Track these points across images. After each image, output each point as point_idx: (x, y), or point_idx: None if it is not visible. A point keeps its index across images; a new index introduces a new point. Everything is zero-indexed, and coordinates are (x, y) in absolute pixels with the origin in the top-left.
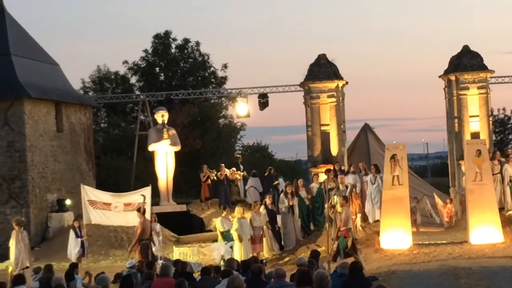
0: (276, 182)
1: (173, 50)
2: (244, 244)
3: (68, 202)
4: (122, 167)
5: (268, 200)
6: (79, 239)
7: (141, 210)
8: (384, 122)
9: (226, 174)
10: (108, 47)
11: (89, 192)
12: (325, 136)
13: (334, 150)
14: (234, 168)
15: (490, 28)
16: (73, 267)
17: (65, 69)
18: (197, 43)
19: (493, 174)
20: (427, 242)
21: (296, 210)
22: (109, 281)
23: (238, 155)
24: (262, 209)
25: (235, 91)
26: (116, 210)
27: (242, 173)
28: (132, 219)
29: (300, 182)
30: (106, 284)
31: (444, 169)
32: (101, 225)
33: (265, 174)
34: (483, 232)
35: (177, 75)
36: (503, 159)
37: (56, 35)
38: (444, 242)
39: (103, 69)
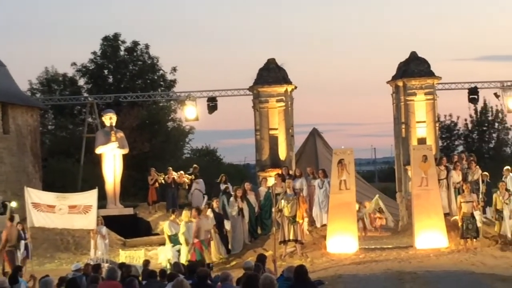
0: (225, 186)
1: (122, 53)
2: (191, 248)
3: (13, 204)
4: (69, 170)
5: (215, 203)
6: (23, 242)
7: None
8: (332, 127)
9: (173, 178)
10: (56, 48)
11: (33, 195)
12: (274, 140)
13: (282, 154)
14: (181, 172)
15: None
16: (17, 270)
17: (12, 70)
18: (146, 46)
19: (439, 180)
20: (373, 247)
21: (246, 214)
22: (53, 284)
23: (195, 166)
24: (209, 213)
25: (184, 94)
26: (60, 212)
27: (190, 177)
28: (78, 222)
29: (248, 186)
30: (50, 287)
31: (391, 174)
32: (46, 228)
33: (218, 181)
34: (429, 237)
35: (126, 77)
36: (449, 165)
37: (2, 35)
38: (390, 246)
39: (51, 70)
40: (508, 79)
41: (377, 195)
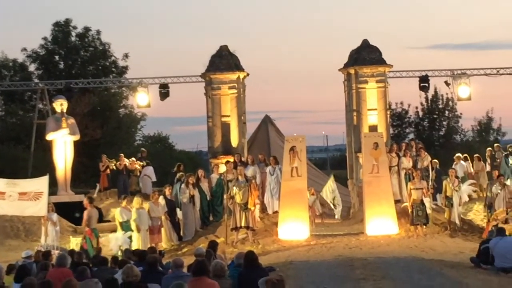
0: (180, 174)
1: (73, 39)
2: (142, 235)
3: None
4: (20, 156)
5: (167, 191)
6: None
7: None
8: (284, 115)
9: (125, 164)
10: (6, 34)
11: None
12: (226, 127)
13: (234, 141)
14: (133, 158)
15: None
16: None
17: None
18: (98, 32)
19: (390, 167)
20: (324, 233)
21: (198, 200)
22: (2, 271)
23: (142, 150)
24: (161, 200)
25: (136, 81)
26: (10, 199)
27: (142, 163)
28: (28, 208)
29: (201, 172)
30: None
31: (343, 161)
32: None
33: (173, 170)
34: (379, 223)
35: (77, 63)
36: (399, 152)
37: None
38: (341, 233)
39: (1, 56)
40: (458, 67)
41: (332, 175)
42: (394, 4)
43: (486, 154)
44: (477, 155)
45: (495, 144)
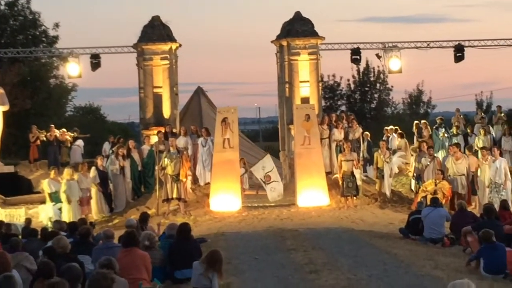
0: (118, 145)
1: (2, 7)
2: (72, 206)
3: None
4: None
5: (99, 161)
6: None
7: None
8: (217, 86)
9: (56, 135)
10: None
11: None
12: (158, 99)
13: (166, 112)
14: (64, 129)
15: None
16: None
17: None
18: (28, 1)
19: (321, 139)
20: (256, 205)
21: (128, 172)
22: None
23: (76, 129)
24: (92, 171)
25: (67, 51)
26: None
27: (72, 134)
28: None
29: (132, 143)
30: None
31: (276, 133)
32: None
33: (112, 141)
34: (310, 195)
35: (6, 33)
36: (331, 124)
37: None
38: (272, 204)
39: None
40: (390, 40)
41: (267, 154)
42: None
43: (413, 127)
44: (399, 132)
45: (422, 121)
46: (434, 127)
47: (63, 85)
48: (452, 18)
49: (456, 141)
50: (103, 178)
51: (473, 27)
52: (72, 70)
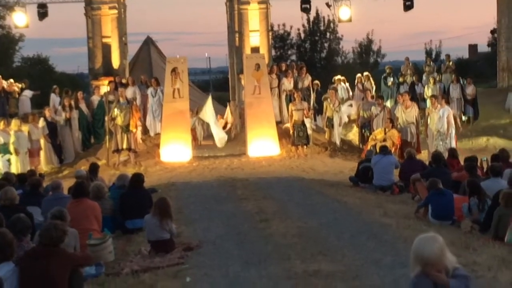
0: (64, 96)
1: None
2: (21, 157)
3: None
4: None
5: (47, 112)
6: None
7: None
8: (167, 36)
9: (3, 86)
10: None
11: None
12: (107, 49)
13: (115, 62)
14: (11, 80)
15: None
16: None
17: None
18: None
19: (271, 88)
20: (206, 155)
21: (76, 123)
22: None
23: (25, 81)
24: (41, 122)
25: (13, 0)
26: None
27: (20, 85)
28: None
29: (80, 94)
30: None
31: (226, 83)
32: None
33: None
34: (261, 144)
35: None
36: (280, 74)
37: None
38: (223, 154)
39: None
40: None
41: (210, 96)
42: None
43: (356, 80)
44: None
45: (364, 73)
46: (382, 76)
47: (10, 35)
48: None
49: (404, 90)
50: (52, 129)
51: None
52: (19, 19)
